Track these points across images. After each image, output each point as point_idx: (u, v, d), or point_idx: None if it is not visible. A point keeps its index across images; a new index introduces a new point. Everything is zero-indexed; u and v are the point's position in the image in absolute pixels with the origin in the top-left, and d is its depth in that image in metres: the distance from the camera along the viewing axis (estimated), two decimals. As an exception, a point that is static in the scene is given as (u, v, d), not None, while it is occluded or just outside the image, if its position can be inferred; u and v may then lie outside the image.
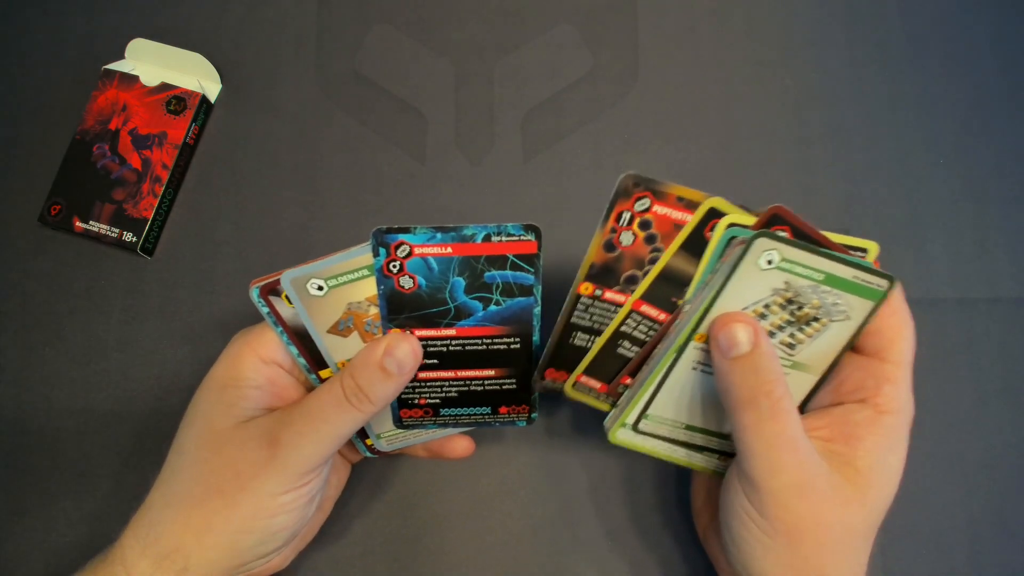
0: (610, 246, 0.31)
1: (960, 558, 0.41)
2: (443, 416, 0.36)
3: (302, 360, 0.34)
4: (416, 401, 0.35)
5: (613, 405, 0.35)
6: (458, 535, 0.41)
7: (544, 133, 0.47)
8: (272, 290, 0.32)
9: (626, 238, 0.31)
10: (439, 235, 0.31)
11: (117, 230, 0.44)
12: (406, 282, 0.32)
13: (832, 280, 0.30)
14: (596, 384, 0.34)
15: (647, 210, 0.31)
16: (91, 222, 0.45)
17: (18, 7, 0.49)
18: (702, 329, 0.31)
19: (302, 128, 0.47)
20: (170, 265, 0.45)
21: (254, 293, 0.32)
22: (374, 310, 0.33)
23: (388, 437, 0.37)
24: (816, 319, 0.31)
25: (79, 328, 0.44)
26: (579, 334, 0.33)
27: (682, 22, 0.48)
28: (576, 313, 0.33)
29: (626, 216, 0.31)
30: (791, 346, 0.32)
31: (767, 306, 0.31)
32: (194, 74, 0.47)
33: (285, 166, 0.46)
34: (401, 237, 0.31)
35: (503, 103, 0.47)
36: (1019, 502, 0.41)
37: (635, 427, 0.34)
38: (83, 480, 0.42)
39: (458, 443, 0.38)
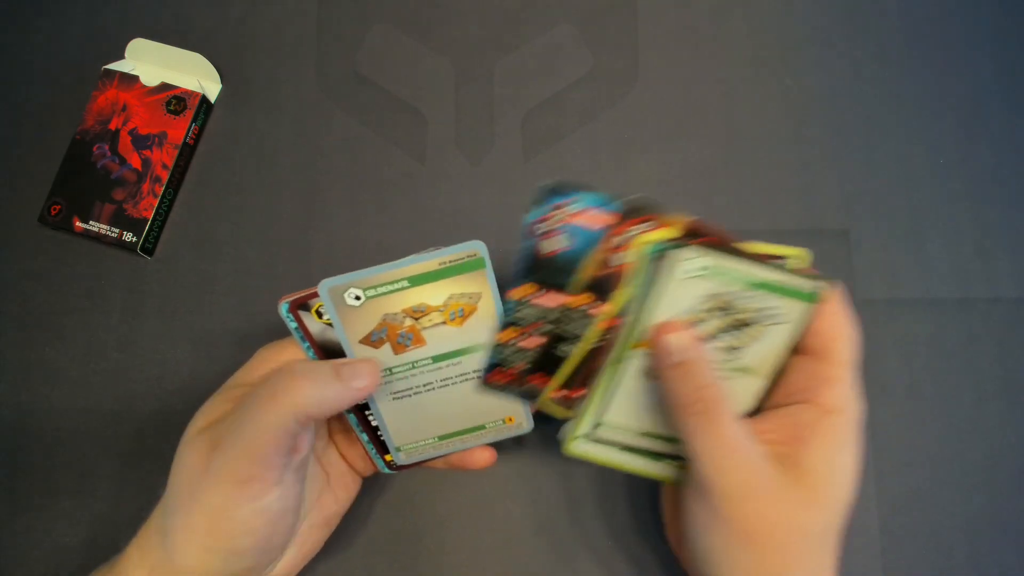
0: (605, 264, 0.32)
1: (960, 558, 0.41)
2: (527, 387, 0.35)
3: None
4: (511, 366, 0.34)
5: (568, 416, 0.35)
6: (458, 535, 0.41)
7: (544, 133, 0.47)
8: (301, 305, 0.32)
9: (621, 257, 0.32)
10: (605, 204, 0.30)
11: (117, 230, 0.44)
12: (552, 244, 0.31)
13: (759, 285, 0.31)
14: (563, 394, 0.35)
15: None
16: (91, 222, 0.45)
17: (18, 7, 0.49)
18: (637, 339, 0.32)
19: (302, 128, 0.47)
20: (170, 265, 0.45)
21: (283, 309, 0.32)
22: (409, 322, 0.32)
23: (408, 450, 0.36)
24: (751, 323, 0.32)
25: (79, 328, 0.44)
26: (561, 345, 0.34)
27: (682, 22, 0.48)
28: (570, 325, 0.33)
29: (623, 236, 0.31)
30: (732, 350, 0.32)
31: (701, 314, 0.31)
32: (194, 74, 0.47)
33: (285, 166, 0.46)
34: (568, 198, 0.30)
35: (503, 103, 0.47)
36: (1019, 502, 0.41)
37: (591, 436, 0.34)
38: (83, 480, 0.42)
39: (480, 454, 0.37)
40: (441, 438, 0.36)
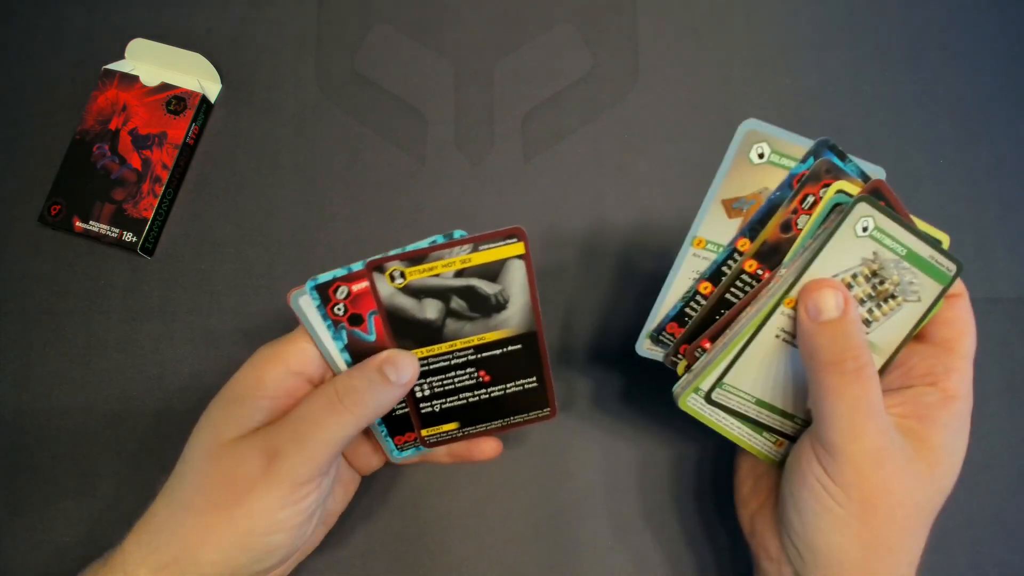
0: (787, 227, 0.32)
1: (960, 558, 0.41)
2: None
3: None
4: (687, 320, 0.34)
5: (687, 369, 0.35)
6: (459, 535, 0.41)
7: (544, 133, 0.47)
8: (377, 267, 0.31)
9: (803, 221, 0.32)
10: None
11: (117, 230, 0.44)
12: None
13: (912, 257, 0.31)
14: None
15: None
16: (91, 222, 0.45)
17: (18, 7, 0.49)
18: (793, 293, 0.31)
19: (302, 128, 0.47)
20: (170, 265, 0.45)
21: (361, 266, 0.31)
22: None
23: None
24: (893, 296, 0.32)
25: (79, 328, 0.44)
26: (725, 311, 0.33)
27: (682, 22, 0.48)
28: (733, 289, 0.33)
29: (809, 200, 0.32)
30: (867, 323, 0.32)
31: (854, 276, 0.31)
32: (194, 74, 0.47)
33: (285, 166, 0.46)
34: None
35: (503, 103, 0.47)
36: (1019, 502, 0.41)
37: (708, 395, 0.34)
38: (83, 480, 0.42)
39: (486, 445, 0.37)
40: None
